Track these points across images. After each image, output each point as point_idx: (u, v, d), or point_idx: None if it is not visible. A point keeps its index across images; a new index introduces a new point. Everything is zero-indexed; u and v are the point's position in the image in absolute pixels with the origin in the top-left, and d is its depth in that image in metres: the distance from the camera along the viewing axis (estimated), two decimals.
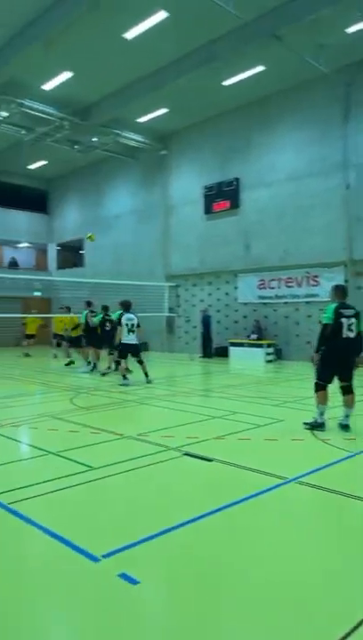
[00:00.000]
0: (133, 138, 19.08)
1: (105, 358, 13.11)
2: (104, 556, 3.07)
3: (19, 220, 25.50)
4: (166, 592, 2.83)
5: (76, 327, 14.30)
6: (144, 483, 4.56)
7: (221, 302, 18.24)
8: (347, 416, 6.31)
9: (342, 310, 6.21)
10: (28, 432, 6.58)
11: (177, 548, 3.29)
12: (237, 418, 7.19)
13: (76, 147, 19.76)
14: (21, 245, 27.47)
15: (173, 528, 3.50)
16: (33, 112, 16.39)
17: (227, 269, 17.85)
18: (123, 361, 10.88)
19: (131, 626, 2.48)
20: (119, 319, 10.76)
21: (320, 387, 6.28)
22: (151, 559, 3.13)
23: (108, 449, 5.69)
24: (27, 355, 17.25)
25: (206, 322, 17.27)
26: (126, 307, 10.83)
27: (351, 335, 6.19)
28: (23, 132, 18.14)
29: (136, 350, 10.71)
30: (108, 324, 12.37)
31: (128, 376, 10.72)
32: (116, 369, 11.55)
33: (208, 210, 18.31)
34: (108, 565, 2.98)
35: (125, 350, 10.68)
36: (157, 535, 3.38)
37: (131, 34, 12.71)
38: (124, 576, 2.84)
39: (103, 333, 12.53)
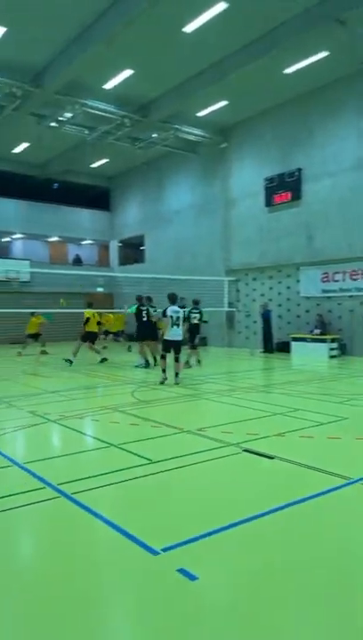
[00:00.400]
0: (192, 132, 19.05)
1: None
2: (163, 550, 3.08)
3: (83, 218, 26.24)
4: (224, 590, 2.80)
5: (86, 322, 13.75)
6: (204, 478, 4.55)
7: (283, 296, 17.88)
8: None
9: None
10: (91, 424, 6.75)
11: (237, 545, 3.25)
12: (298, 415, 7.01)
13: (136, 144, 20.01)
14: (85, 242, 28.27)
15: (233, 525, 3.46)
16: (95, 111, 16.75)
17: (289, 263, 17.46)
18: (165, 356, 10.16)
19: (188, 621, 2.47)
20: (164, 311, 10.10)
21: None
22: (210, 556, 3.11)
23: (168, 443, 5.73)
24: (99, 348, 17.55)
25: (267, 317, 17.00)
26: (171, 299, 10.18)
27: None
28: (86, 131, 18.60)
29: (178, 347, 10.00)
30: (144, 315, 12.25)
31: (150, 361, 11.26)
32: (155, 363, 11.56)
33: (269, 202, 17.97)
34: (168, 560, 2.99)
35: (167, 346, 10.01)
36: (216, 532, 3.36)
37: (190, 27, 12.65)
38: (182, 571, 2.84)
39: (141, 325, 12.40)
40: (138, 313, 12.46)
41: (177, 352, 10.00)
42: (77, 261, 27.42)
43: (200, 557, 3.06)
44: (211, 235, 20.65)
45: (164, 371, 10.06)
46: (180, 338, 9.98)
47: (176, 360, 10.00)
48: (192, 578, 2.79)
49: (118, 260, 26.93)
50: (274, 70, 14.74)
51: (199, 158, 21.20)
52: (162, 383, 9.86)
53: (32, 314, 16.58)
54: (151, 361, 12.83)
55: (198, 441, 5.65)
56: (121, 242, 26.88)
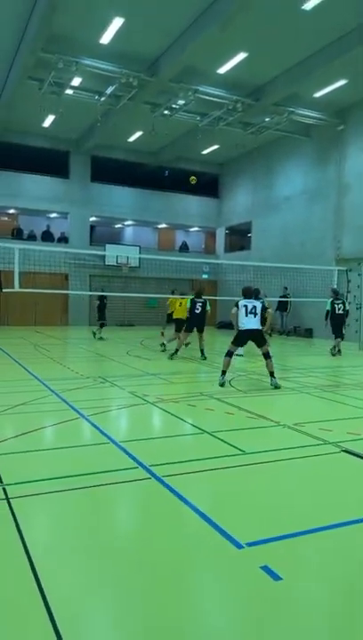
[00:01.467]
0: (307, 114, 18.26)
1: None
2: (248, 545, 3.01)
3: (192, 205, 26.50)
4: (309, 594, 2.66)
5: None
6: (297, 475, 4.38)
7: None
8: None
9: None
10: (186, 409, 6.82)
11: (327, 550, 3.08)
12: None
13: (248, 129, 19.66)
14: (192, 229, 28.58)
15: (325, 528, 3.29)
16: (207, 97, 16.70)
17: None
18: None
19: (268, 622, 2.38)
20: (236, 303, 8.83)
21: None
22: (297, 557, 2.98)
23: (263, 435, 5.61)
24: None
25: None
26: (245, 294, 8.94)
27: None
28: (198, 117, 18.65)
29: (257, 338, 8.67)
30: (198, 307, 11.72)
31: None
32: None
33: None
34: (252, 555, 2.91)
35: (241, 337, 8.69)
36: (306, 532, 3.22)
37: (310, 4, 12.02)
38: (266, 569, 2.75)
39: (193, 316, 11.73)
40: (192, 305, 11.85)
41: (260, 344, 8.59)
42: (184, 248, 27.83)
43: (286, 557, 2.94)
44: (322, 222, 19.75)
45: (224, 372, 8.47)
46: (256, 326, 8.53)
47: (265, 356, 8.51)
48: (276, 577, 2.69)
49: (224, 247, 26.87)
50: None
51: (312, 142, 20.30)
52: (222, 385, 8.29)
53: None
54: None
55: (295, 436, 5.46)
56: (228, 229, 26.76)
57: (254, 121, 19.19)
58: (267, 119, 18.83)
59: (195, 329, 11.87)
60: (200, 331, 11.92)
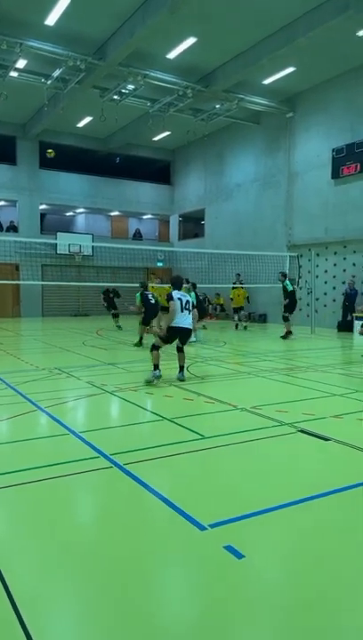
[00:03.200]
0: (257, 101, 18.41)
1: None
2: (211, 526, 3.07)
3: (144, 192, 26.29)
4: (271, 570, 2.75)
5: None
6: (256, 456, 4.49)
7: (348, 274, 17.17)
8: None
9: None
10: (145, 397, 6.83)
11: (286, 526, 3.18)
12: (358, 397, 6.75)
13: (198, 115, 19.64)
14: (146, 217, 28.39)
15: (284, 505, 3.39)
16: (157, 82, 16.53)
17: (357, 238, 16.68)
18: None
19: (234, 599, 2.44)
20: (169, 295, 8.04)
21: None
22: (258, 535, 3.06)
23: (221, 419, 5.70)
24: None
25: (352, 295, 16.29)
26: (175, 283, 8.30)
27: None
28: (148, 103, 18.44)
29: (186, 336, 8.04)
30: (151, 298, 11.77)
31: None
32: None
33: (336, 174, 17.15)
34: (215, 536, 2.97)
35: (172, 334, 7.87)
36: (266, 511, 3.31)
37: None
38: (229, 548, 2.81)
39: (148, 308, 11.73)
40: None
41: (185, 342, 8.04)
42: (138, 236, 27.64)
43: (248, 536, 3.02)
44: (273, 209, 20.08)
45: (157, 366, 7.68)
46: (189, 326, 7.96)
47: (180, 351, 7.97)
48: (239, 556, 2.75)
49: (178, 235, 26.87)
50: (346, 33, 13.85)
51: (262, 129, 20.53)
52: (150, 383, 7.50)
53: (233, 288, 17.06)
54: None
55: (252, 419, 5.58)
56: (181, 216, 26.75)
57: (205, 107, 19.19)
58: (217, 106, 18.86)
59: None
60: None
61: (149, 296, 11.86)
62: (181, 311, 7.76)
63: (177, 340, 7.95)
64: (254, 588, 2.55)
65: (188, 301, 7.88)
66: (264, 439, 4.86)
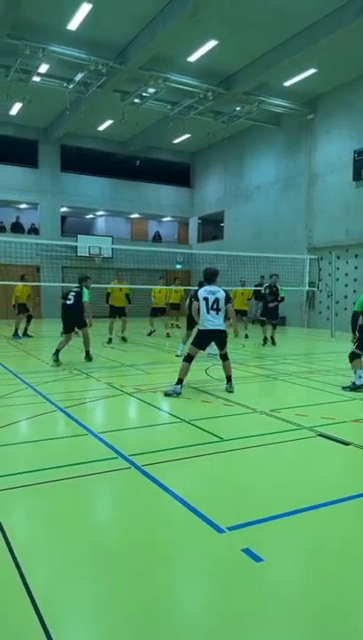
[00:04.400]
0: (278, 103, 18.33)
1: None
2: (229, 529, 3.06)
3: (164, 195, 26.36)
4: (290, 574, 2.73)
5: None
6: (274, 460, 4.46)
7: None
8: None
9: None
10: (164, 399, 6.83)
11: (305, 530, 3.15)
12: None
13: (218, 118, 19.64)
14: (165, 219, 28.47)
15: (303, 510, 3.36)
16: (178, 85, 16.58)
17: None
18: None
19: (252, 602, 2.43)
20: (195, 293, 7.53)
21: None
22: (277, 538, 3.04)
23: (240, 422, 5.68)
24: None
25: None
26: (209, 277, 7.36)
27: None
28: (168, 106, 18.52)
29: (221, 339, 7.23)
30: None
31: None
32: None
33: (358, 176, 16.95)
34: (233, 539, 2.96)
35: (203, 338, 7.18)
36: (285, 515, 3.28)
37: None
38: (248, 551, 2.80)
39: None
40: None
41: (222, 345, 7.22)
42: (157, 238, 27.73)
43: (266, 540, 3.00)
44: (293, 211, 19.95)
45: (181, 381, 6.94)
46: (221, 327, 7.10)
47: (224, 359, 7.25)
48: (257, 559, 2.74)
49: (197, 237, 26.88)
50: None
51: (283, 131, 20.43)
52: (168, 396, 6.79)
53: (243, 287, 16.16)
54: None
55: (271, 422, 5.54)
56: (201, 218, 26.76)
57: (225, 110, 19.18)
58: (238, 108, 18.84)
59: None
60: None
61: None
62: (208, 312, 6.98)
63: (215, 348, 7.41)
64: (272, 591, 2.53)
65: (216, 299, 6.99)
66: (283, 443, 4.83)
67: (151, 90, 16.91)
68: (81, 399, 6.76)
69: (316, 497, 3.57)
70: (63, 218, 24.95)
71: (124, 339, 13.38)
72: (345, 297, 17.80)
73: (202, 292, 7.11)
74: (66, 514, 3.35)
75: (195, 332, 7.62)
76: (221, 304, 7.06)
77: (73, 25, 13.57)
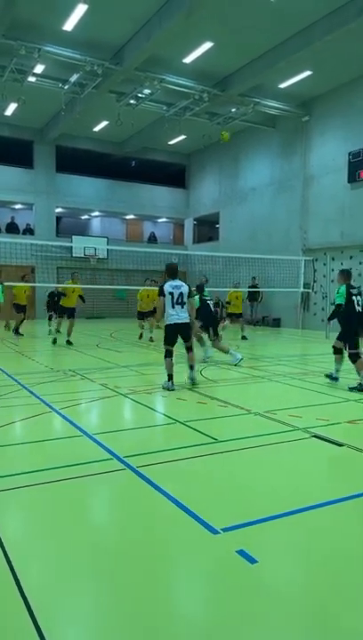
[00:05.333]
0: (273, 105, 18.38)
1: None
2: (224, 530, 3.06)
3: (159, 196, 26.37)
4: (284, 576, 2.73)
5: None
6: (269, 461, 4.47)
7: None
8: None
9: (351, 290, 7.59)
10: (159, 400, 6.84)
11: (300, 531, 3.16)
12: None
13: (214, 119, 19.68)
14: (160, 220, 28.48)
15: (298, 511, 3.37)
16: (173, 87, 16.60)
17: None
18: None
19: (247, 604, 2.43)
20: (161, 288, 7.58)
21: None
22: (272, 540, 3.05)
23: (235, 423, 5.69)
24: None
25: None
26: (170, 272, 7.66)
27: (360, 309, 7.54)
28: (164, 107, 18.54)
29: (186, 332, 7.57)
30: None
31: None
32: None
33: (353, 178, 17.02)
34: (228, 540, 2.97)
35: (171, 333, 7.51)
36: (279, 516, 3.29)
37: None
38: (242, 553, 2.80)
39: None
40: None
41: (187, 339, 7.55)
42: (152, 239, 27.73)
43: (261, 541, 3.01)
44: (288, 212, 20.01)
45: (171, 377, 7.32)
46: (186, 320, 7.44)
47: (189, 350, 7.58)
48: (252, 561, 2.74)
49: (193, 239, 26.90)
50: None
51: (278, 133, 20.49)
52: (167, 389, 7.23)
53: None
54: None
55: (266, 423, 5.55)
56: (196, 220, 26.78)
57: (221, 111, 19.22)
58: (233, 110, 18.88)
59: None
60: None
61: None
62: (173, 307, 7.29)
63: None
64: (267, 592, 2.53)
65: (181, 294, 7.31)
66: (278, 444, 4.84)
67: (147, 91, 16.93)
68: (76, 400, 6.75)
69: (310, 498, 3.58)
70: (58, 218, 24.91)
71: (69, 342, 12.71)
72: None
73: (167, 287, 7.37)
74: (60, 515, 3.35)
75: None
76: (185, 298, 7.41)
77: (69, 25, 13.56)
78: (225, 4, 12.50)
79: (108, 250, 22.48)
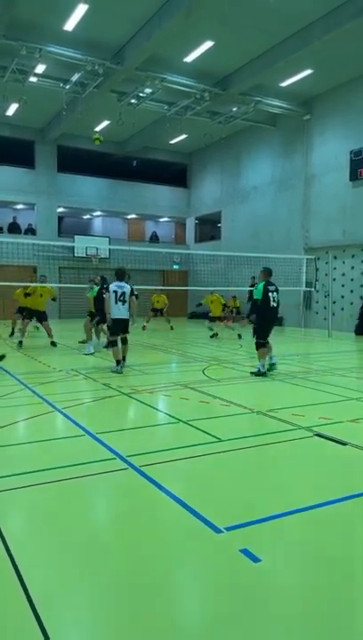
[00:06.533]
0: (274, 104, 18.36)
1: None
2: (227, 529, 3.06)
3: (161, 195, 26.37)
4: (288, 574, 2.73)
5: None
6: (272, 460, 4.47)
7: None
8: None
9: (268, 287, 8.35)
10: (161, 399, 6.85)
11: (303, 530, 3.16)
12: None
13: (215, 118, 19.67)
14: (162, 220, 28.47)
15: (301, 510, 3.37)
16: (174, 86, 16.60)
17: None
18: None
19: (250, 603, 2.43)
20: (106, 287, 9.11)
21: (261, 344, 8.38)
22: (275, 539, 3.05)
23: (237, 422, 5.69)
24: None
25: None
26: (118, 275, 8.91)
27: (276, 305, 8.44)
28: (165, 107, 18.53)
29: (125, 327, 8.94)
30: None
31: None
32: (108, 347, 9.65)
33: (355, 176, 17.01)
34: (231, 539, 2.97)
35: (116, 326, 8.81)
36: (283, 515, 3.29)
37: None
38: (245, 552, 2.81)
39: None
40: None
41: (125, 332, 8.91)
42: (154, 239, 27.74)
43: (264, 540, 3.01)
44: (290, 211, 19.99)
45: (119, 362, 8.65)
46: (125, 316, 8.77)
47: (124, 342, 8.95)
48: (255, 560, 2.75)
49: (194, 238, 26.89)
50: None
51: (280, 132, 20.47)
52: (119, 372, 8.51)
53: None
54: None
55: (268, 422, 5.55)
56: (198, 219, 26.77)
57: (222, 110, 19.20)
58: (234, 109, 18.87)
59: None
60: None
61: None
62: (116, 303, 8.58)
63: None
64: (270, 591, 2.54)
65: (123, 293, 8.64)
66: (280, 443, 4.84)
67: (148, 90, 16.93)
68: (79, 400, 6.76)
69: (314, 497, 3.58)
70: (60, 218, 24.93)
71: (53, 343, 12.32)
72: (342, 297, 17.86)
73: (112, 287, 8.72)
74: (63, 514, 3.35)
75: None
76: (127, 297, 8.69)
77: (69, 25, 13.56)
78: (225, 3, 12.49)
79: (110, 249, 22.47)
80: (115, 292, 8.62)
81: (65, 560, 2.81)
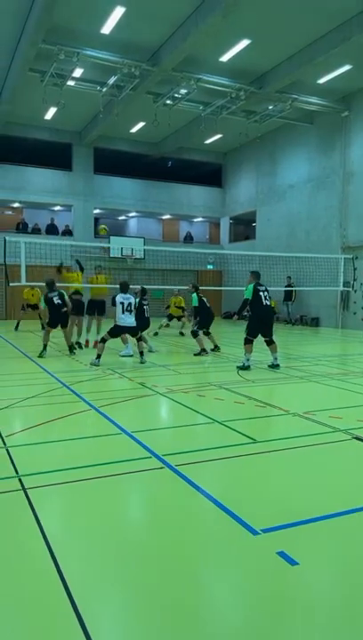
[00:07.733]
0: (311, 101, 18.07)
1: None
2: (264, 531, 3.04)
3: (196, 195, 26.37)
4: (325, 579, 2.70)
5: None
6: (309, 462, 4.41)
7: None
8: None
9: (258, 287, 9.11)
10: (196, 399, 6.85)
11: (342, 535, 3.11)
12: None
13: (251, 117, 19.52)
14: (196, 220, 28.47)
15: (339, 514, 3.32)
16: (210, 86, 16.55)
17: None
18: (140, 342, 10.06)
19: (286, 605, 2.42)
20: (113, 299, 9.98)
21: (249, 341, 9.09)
22: (312, 542, 3.01)
23: (273, 424, 5.64)
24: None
25: None
26: (122, 288, 9.97)
27: (269, 303, 9.19)
28: (201, 107, 18.52)
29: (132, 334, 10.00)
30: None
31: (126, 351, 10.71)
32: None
33: None
34: (268, 541, 2.95)
35: (118, 332, 9.79)
36: (320, 518, 3.25)
37: None
38: (282, 554, 2.79)
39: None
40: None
41: (133, 336, 10.01)
42: (189, 239, 27.77)
43: (301, 543, 2.98)
44: (327, 210, 19.64)
45: (100, 356, 9.47)
46: (133, 324, 9.74)
47: (140, 339, 10.06)
48: (292, 562, 2.72)
49: (229, 238, 26.78)
50: None
51: (316, 129, 20.13)
52: (97, 365, 9.29)
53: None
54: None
55: (305, 424, 5.48)
56: (232, 219, 26.65)
57: (258, 109, 19.04)
58: (270, 107, 18.66)
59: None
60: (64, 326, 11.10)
61: (55, 298, 10.62)
62: (123, 313, 9.57)
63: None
64: (307, 595, 2.51)
65: (130, 303, 9.68)
66: (317, 445, 4.77)
67: (183, 91, 16.95)
68: (114, 398, 6.85)
69: (352, 501, 3.52)
70: (96, 219, 25.27)
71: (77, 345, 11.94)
72: None
73: (118, 298, 9.71)
74: (100, 512, 3.41)
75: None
76: (133, 307, 9.76)
77: (106, 29, 13.74)
78: (262, 1, 12.36)
79: (144, 250, 22.64)
80: (121, 303, 9.64)
81: (103, 557, 2.86)
